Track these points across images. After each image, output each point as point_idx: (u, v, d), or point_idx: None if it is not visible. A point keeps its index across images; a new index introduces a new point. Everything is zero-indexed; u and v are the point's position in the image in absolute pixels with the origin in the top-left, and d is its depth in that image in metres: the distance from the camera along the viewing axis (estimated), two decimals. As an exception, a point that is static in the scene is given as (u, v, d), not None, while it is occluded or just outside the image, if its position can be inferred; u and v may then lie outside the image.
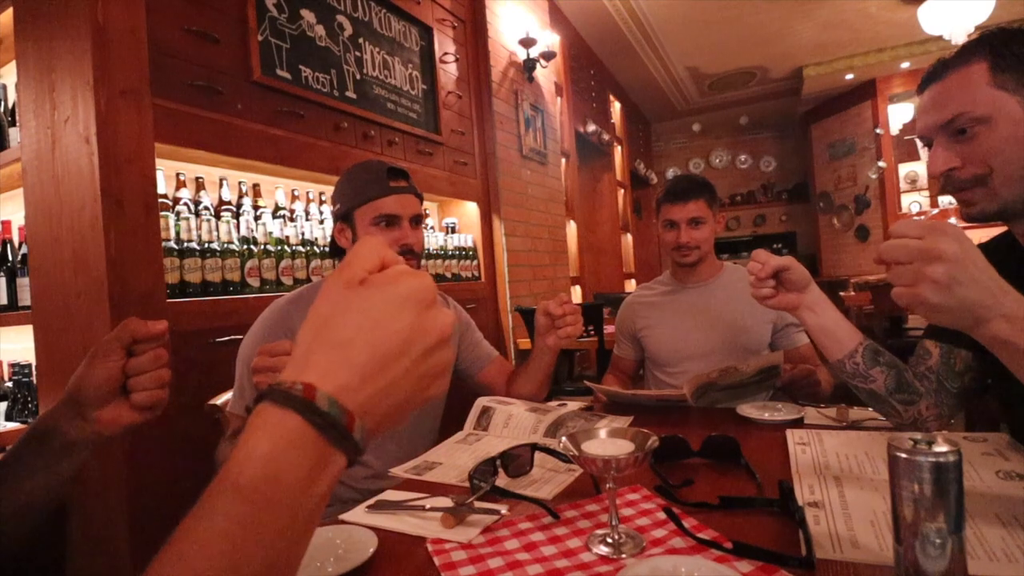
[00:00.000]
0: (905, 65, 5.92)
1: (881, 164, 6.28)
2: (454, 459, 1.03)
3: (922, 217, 6.07)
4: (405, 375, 0.38)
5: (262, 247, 1.73)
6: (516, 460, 0.89)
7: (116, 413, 0.67)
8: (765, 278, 0.99)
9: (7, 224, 1.63)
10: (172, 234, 1.51)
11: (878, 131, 6.29)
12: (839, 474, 0.82)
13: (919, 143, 5.74)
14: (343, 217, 1.26)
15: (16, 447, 0.67)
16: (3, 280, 1.58)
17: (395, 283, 0.39)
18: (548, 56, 3.43)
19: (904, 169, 6.43)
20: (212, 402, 1.24)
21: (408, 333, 0.38)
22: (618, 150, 5.95)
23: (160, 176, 1.46)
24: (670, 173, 8.33)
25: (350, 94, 2.12)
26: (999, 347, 0.64)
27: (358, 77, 2.18)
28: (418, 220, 1.29)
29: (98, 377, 0.66)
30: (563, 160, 4.06)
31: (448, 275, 2.62)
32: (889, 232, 0.65)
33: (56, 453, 0.66)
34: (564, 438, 0.70)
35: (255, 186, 1.84)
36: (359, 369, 0.36)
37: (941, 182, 0.87)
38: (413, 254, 1.27)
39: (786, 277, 0.99)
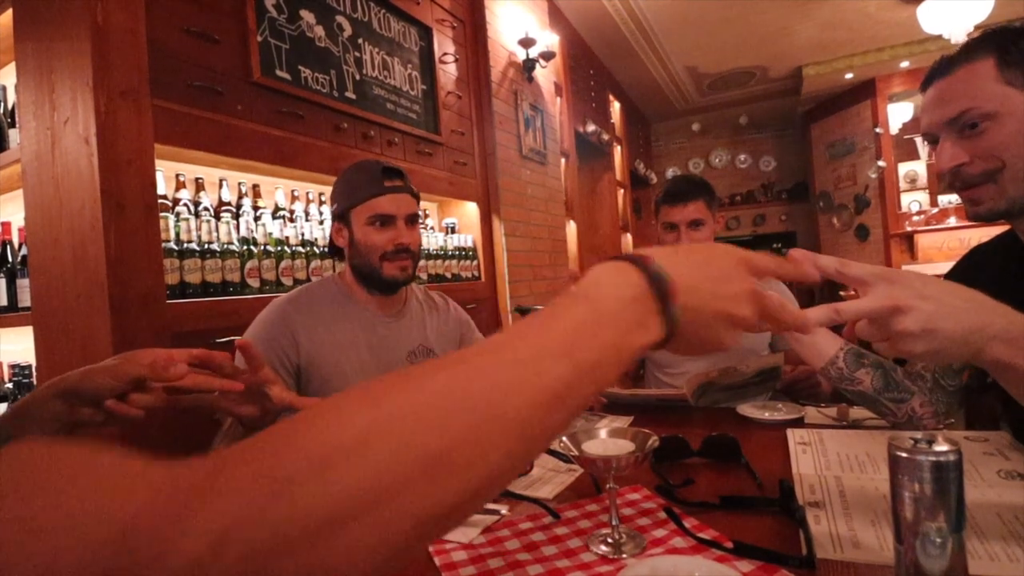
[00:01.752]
0: (905, 64, 5.92)
1: (881, 163, 6.28)
2: (454, 459, 1.03)
3: (921, 216, 6.03)
4: (716, 298, 0.43)
5: (262, 248, 1.73)
6: (516, 460, 0.88)
7: (95, 412, 0.70)
8: None
9: (7, 225, 1.63)
10: (172, 235, 1.51)
11: (878, 130, 6.29)
12: (840, 474, 0.82)
13: (920, 141, 5.71)
14: (340, 217, 1.26)
15: (3, 421, 0.70)
16: (3, 281, 1.58)
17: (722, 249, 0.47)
18: (548, 56, 3.43)
19: (904, 168, 6.43)
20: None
21: (716, 253, 0.45)
22: (618, 150, 5.94)
23: (160, 177, 1.46)
24: (670, 173, 8.33)
25: (350, 94, 2.12)
26: (1000, 371, 0.59)
27: (358, 77, 2.18)
28: (414, 219, 1.29)
29: (100, 388, 0.69)
30: (563, 160, 4.06)
31: (448, 275, 2.62)
32: (828, 272, 0.58)
33: (39, 423, 0.69)
34: (564, 438, 0.70)
35: (255, 187, 1.84)
36: (679, 266, 0.42)
37: (948, 179, 0.85)
38: (409, 253, 1.26)
39: None
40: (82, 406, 0.69)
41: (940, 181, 0.87)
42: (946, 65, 0.84)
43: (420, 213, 1.34)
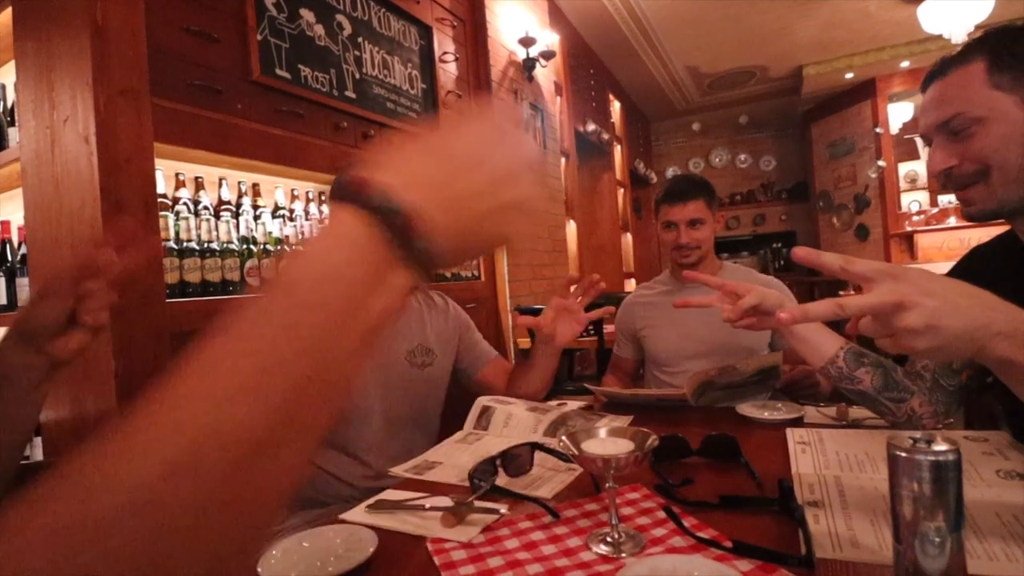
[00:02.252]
0: (905, 64, 5.92)
1: (881, 163, 6.27)
2: (454, 459, 1.03)
3: (921, 216, 6.03)
4: (479, 191, 0.33)
5: (262, 247, 1.73)
6: (516, 460, 0.89)
7: (66, 340, 0.68)
8: (737, 320, 1.00)
9: (7, 224, 1.63)
10: (171, 234, 1.51)
11: (878, 130, 6.29)
12: (839, 473, 0.82)
13: (919, 141, 5.71)
14: None
15: None
16: (3, 280, 1.58)
17: (469, 117, 0.36)
18: (548, 55, 3.43)
19: (904, 168, 6.43)
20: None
21: (481, 146, 0.34)
22: (618, 149, 5.94)
23: (159, 176, 1.46)
24: (670, 172, 8.32)
25: (349, 93, 2.12)
26: (1004, 369, 0.59)
27: (357, 76, 2.17)
28: None
29: (51, 315, 0.66)
30: (563, 160, 4.06)
31: (447, 275, 2.62)
32: (833, 268, 0.58)
33: (23, 392, 0.67)
34: (564, 437, 0.70)
35: (255, 186, 1.84)
36: (422, 174, 0.32)
37: (941, 180, 0.87)
38: None
39: (762, 307, 1.00)
40: (45, 340, 0.66)
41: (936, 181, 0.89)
42: (942, 67, 0.86)
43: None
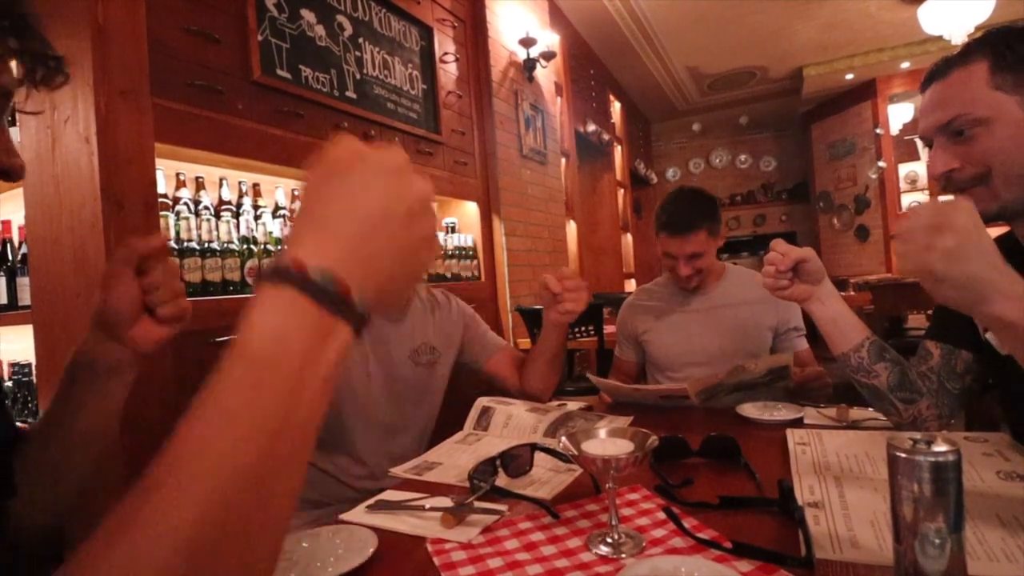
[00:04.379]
0: (905, 65, 5.91)
1: (881, 164, 6.27)
2: (454, 459, 1.03)
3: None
4: (392, 241, 0.39)
5: (262, 247, 1.73)
6: (516, 460, 0.89)
7: (146, 330, 0.68)
8: (785, 270, 0.98)
9: (7, 224, 1.63)
10: (172, 234, 1.51)
11: (878, 131, 6.29)
12: (839, 474, 0.82)
13: (920, 143, 5.70)
14: None
15: (60, 388, 0.68)
16: (3, 280, 1.58)
17: (365, 161, 0.40)
18: (548, 56, 3.43)
19: (904, 169, 6.42)
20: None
21: (386, 201, 0.39)
22: (618, 150, 5.94)
23: (160, 176, 1.46)
24: (670, 173, 8.32)
25: (350, 94, 2.12)
26: (1001, 329, 0.65)
27: (358, 77, 2.18)
28: None
29: (119, 299, 0.66)
30: (563, 160, 4.06)
31: (448, 275, 2.62)
32: (907, 212, 0.68)
33: (102, 378, 0.68)
34: (564, 438, 0.70)
35: (255, 186, 1.84)
36: (345, 240, 0.38)
37: (942, 183, 0.87)
38: None
39: (804, 268, 0.98)
40: (123, 329, 0.67)
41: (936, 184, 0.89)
42: (943, 68, 0.85)
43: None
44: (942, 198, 0.72)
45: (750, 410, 1.19)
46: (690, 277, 1.55)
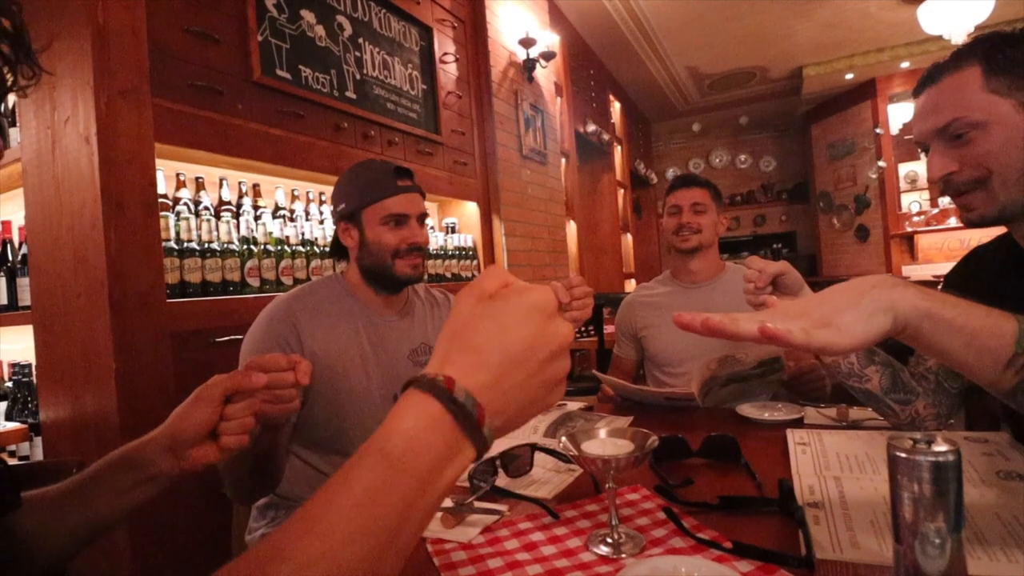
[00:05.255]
0: (905, 65, 5.91)
1: (881, 164, 6.27)
2: (454, 459, 1.03)
3: (921, 217, 6.03)
4: (530, 379, 0.41)
5: (262, 247, 1.73)
6: (516, 460, 0.89)
7: (204, 452, 0.70)
8: (764, 286, 1.00)
9: (7, 224, 1.63)
10: (172, 234, 1.51)
11: (878, 131, 6.29)
12: (839, 474, 0.82)
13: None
14: (349, 217, 1.26)
15: (97, 469, 0.69)
16: (3, 280, 1.58)
17: (520, 295, 0.43)
18: (548, 56, 3.43)
19: (904, 169, 6.42)
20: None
21: (533, 340, 0.41)
22: (618, 150, 5.94)
23: (160, 176, 1.46)
24: (670, 173, 8.32)
25: (350, 94, 2.12)
26: (931, 326, 0.57)
27: (358, 77, 2.18)
28: (424, 218, 1.30)
29: (201, 420, 0.69)
30: (563, 160, 4.06)
31: (448, 275, 2.62)
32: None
33: (139, 482, 0.69)
34: (564, 438, 0.70)
35: (255, 186, 1.84)
36: (492, 370, 0.40)
37: (941, 186, 0.87)
38: (421, 251, 1.27)
39: (782, 281, 1.00)
40: (186, 448, 0.69)
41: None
42: (935, 73, 0.85)
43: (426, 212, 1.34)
44: (941, 200, 0.71)
45: (750, 410, 1.19)
46: (690, 231, 1.63)
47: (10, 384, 1.60)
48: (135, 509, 0.70)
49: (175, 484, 0.71)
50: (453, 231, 2.73)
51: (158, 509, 1.32)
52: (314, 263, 1.88)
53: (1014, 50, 0.79)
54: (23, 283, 1.55)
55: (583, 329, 2.82)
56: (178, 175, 1.61)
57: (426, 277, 2.42)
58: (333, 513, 0.35)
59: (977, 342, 0.57)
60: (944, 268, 1.01)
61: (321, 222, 1.99)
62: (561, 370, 0.43)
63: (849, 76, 6.12)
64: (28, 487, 0.68)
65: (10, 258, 1.60)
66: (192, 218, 1.55)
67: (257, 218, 1.79)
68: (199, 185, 1.65)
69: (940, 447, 0.49)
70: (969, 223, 0.87)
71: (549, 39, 3.55)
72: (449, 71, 2.79)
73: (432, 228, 2.73)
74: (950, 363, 0.61)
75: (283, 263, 1.77)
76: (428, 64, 2.63)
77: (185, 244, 1.52)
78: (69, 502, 0.68)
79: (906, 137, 6.22)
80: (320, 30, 2.02)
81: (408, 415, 0.38)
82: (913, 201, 6.37)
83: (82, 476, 0.69)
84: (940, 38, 4.20)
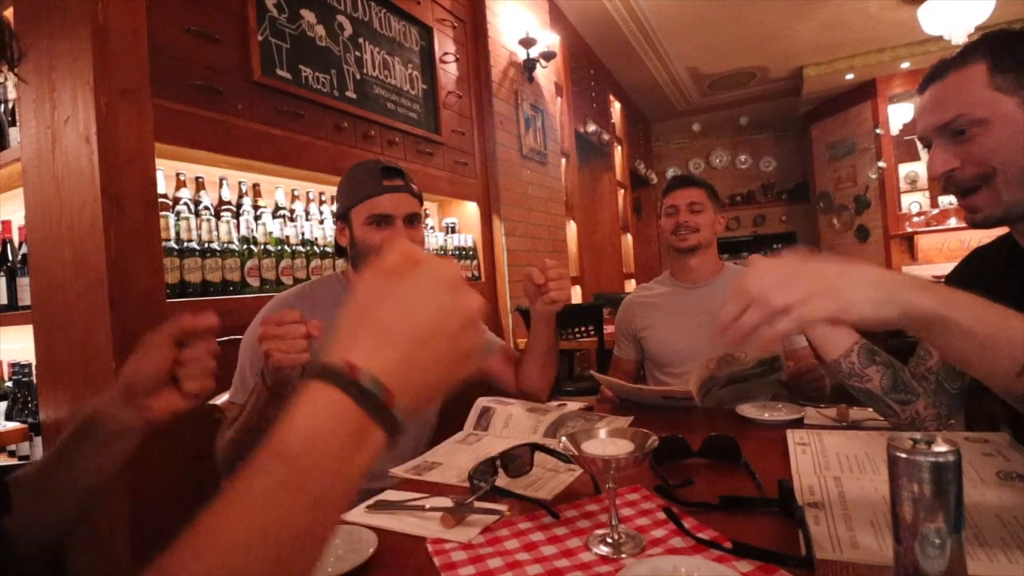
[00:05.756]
0: (905, 65, 5.91)
1: (881, 164, 6.27)
2: (454, 459, 1.03)
3: (922, 217, 6.01)
4: (440, 355, 0.40)
5: (262, 247, 1.73)
6: (516, 460, 0.89)
7: (165, 400, 0.70)
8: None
9: (7, 224, 1.63)
10: (172, 234, 1.51)
11: (878, 131, 6.29)
12: (839, 474, 0.82)
13: (919, 144, 5.70)
14: (341, 216, 1.26)
15: (67, 436, 0.69)
16: (3, 280, 1.58)
17: (424, 270, 0.42)
18: (548, 56, 3.43)
19: (904, 169, 6.42)
20: (212, 402, 1.24)
21: (440, 315, 0.41)
22: (618, 150, 5.94)
23: (160, 176, 1.46)
24: (670, 173, 8.31)
25: (350, 94, 2.12)
26: (930, 325, 0.58)
27: (358, 77, 2.18)
28: (414, 219, 1.27)
29: (150, 367, 0.68)
30: (563, 160, 4.06)
31: (448, 275, 2.61)
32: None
33: (110, 438, 0.69)
34: (564, 438, 0.70)
35: (255, 186, 1.84)
36: (400, 348, 0.39)
37: (942, 183, 0.87)
38: None
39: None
40: (143, 396, 0.68)
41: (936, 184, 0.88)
42: (941, 69, 0.85)
43: (422, 213, 1.33)
44: (941, 199, 0.71)
45: (750, 410, 1.19)
46: (688, 230, 1.63)
47: (10, 384, 1.60)
48: (116, 471, 0.70)
49: (147, 438, 0.70)
50: (453, 231, 2.73)
51: (157, 505, 1.32)
52: (314, 263, 1.88)
53: (1021, 48, 0.79)
54: (23, 283, 1.55)
55: (583, 329, 2.82)
56: (178, 175, 1.61)
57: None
58: (228, 521, 0.33)
59: (991, 348, 0.57)
60: (944, 268, 1.01)
61: (321, 222, 1.99)
62: (473, 342, 0.42)
63: (849, 76, 6.12)
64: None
65: (10, 258, 1.60)
66: (192, 218, 1.55)
67: (257, 218, 1.79)
68: (199, 185, 1.65)
69: (940, 447, 0.49)
70: (974, 225, 0.86)
71: (549, 39, 3.55)
72: (449, 71, 2.79)
73: (432, 228, 2.73)
74: (964, 367, 0.61)
75: (283, 263, 1.77)
76: (428, 64, 2.63)
77: (185, 244, 1.52)
78: (49, 479, 0.68)
79: (906, 137, 6.22)
80: (320, 30, 2.02)
81: (308, 410, 0.37)
82: (913, 201, 6.37)
83: (53, 452, 0.69)
84: (940, 38, 4.20)
